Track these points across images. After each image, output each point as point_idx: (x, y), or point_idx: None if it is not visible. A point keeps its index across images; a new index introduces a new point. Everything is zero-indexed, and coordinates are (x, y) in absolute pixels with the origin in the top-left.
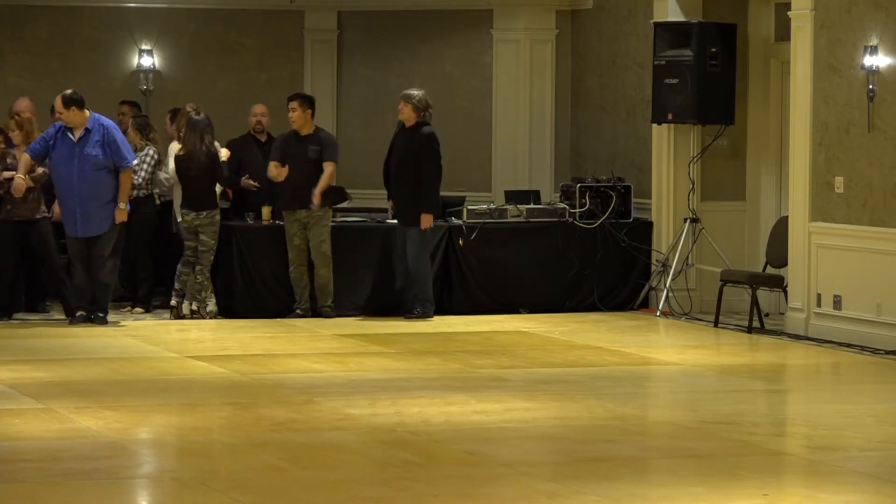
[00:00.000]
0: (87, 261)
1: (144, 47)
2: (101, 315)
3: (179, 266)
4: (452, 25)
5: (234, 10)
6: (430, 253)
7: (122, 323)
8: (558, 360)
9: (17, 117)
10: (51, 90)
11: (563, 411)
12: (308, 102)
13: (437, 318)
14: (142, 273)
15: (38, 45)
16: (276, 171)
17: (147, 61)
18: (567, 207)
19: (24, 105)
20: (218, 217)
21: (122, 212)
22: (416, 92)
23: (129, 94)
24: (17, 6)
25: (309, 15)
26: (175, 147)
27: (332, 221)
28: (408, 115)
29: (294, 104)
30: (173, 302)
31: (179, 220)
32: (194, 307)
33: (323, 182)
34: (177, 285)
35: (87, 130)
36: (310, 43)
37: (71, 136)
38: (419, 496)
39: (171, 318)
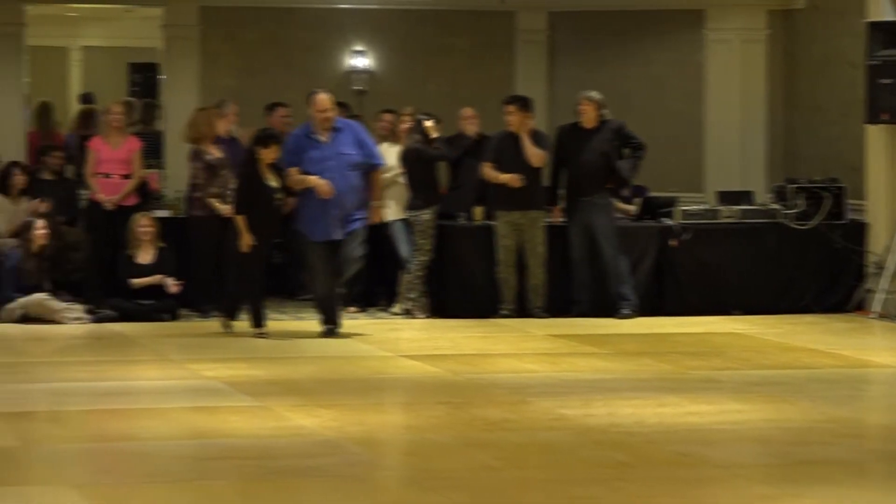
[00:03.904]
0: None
1: (357, 48)
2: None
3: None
4: (663, 25)
5: (446, 10)
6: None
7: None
8: (772, 362)
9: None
10: (263, 91)
11: (776, 413)
12: (525, 105)
13: (649, 319)
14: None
15: (252, 46)
16: (493, 174)
17: (359, 62)
18: (780, 208)
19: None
20: (424, 216)
21: (378, 210)
22: (594, 93)
23: (342, 96)
24: (230, 7)
25: (520, 15)
26: (388, 148)
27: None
28: (591, 115)
29: (511, 108)
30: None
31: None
32: (407, 307)
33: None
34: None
35: (337, 129)
36: (520, 43)
37: (318, 136)
38: (632, 497)
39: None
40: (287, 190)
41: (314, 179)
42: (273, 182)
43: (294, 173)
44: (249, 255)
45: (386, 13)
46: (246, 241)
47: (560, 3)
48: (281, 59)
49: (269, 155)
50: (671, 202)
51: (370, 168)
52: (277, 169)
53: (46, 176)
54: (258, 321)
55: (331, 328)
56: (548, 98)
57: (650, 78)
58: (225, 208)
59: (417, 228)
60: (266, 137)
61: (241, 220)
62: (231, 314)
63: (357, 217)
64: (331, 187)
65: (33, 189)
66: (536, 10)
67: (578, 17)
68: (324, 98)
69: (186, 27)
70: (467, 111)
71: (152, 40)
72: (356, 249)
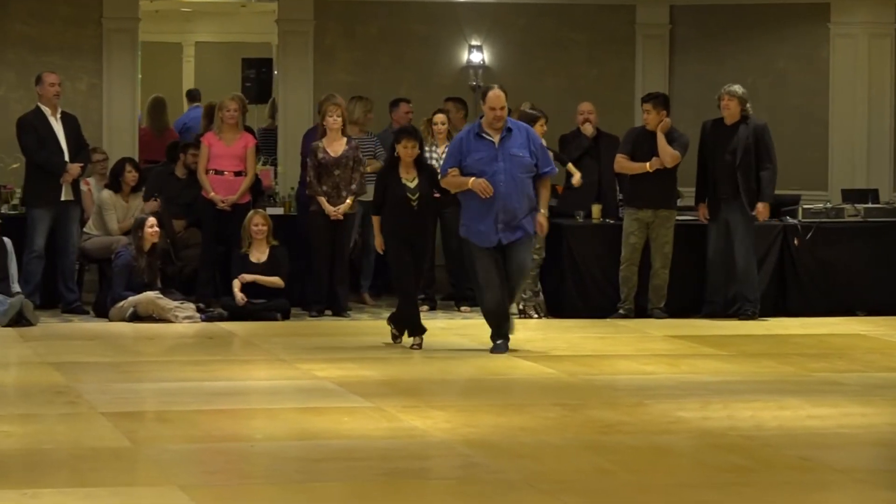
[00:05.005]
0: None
1: (474, 42)
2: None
3: None
4: (787, 19)
5: (565, 4)
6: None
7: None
8: None
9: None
10: (380, 86)
11: None
12: (662, 103)
13: (771, 320)
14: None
15: (369, 40)
16: (628, 164)
17: (477, 57)
18: None
19: None
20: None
21: (544, 220)
22: (737, 87)
23: (459, 91)
24: (349, 2)
25: (640, 9)
26: None
27: None
28: (733, 111)
29: (648, 105)
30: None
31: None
32: (521, 306)
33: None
34: None
35: (508, 130)
36: (641, 38)
37: (487, 136)
38: (751, 501)
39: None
40: (444, 192)
41: (472, 180)
42: (411, 182)
43: (452, 174)
44: (390, 257)
45: (503, 7)
46: (378, 242)
47: None
48: (396, 53)
49: (404, 151)
50: (794, 200)
51: (540, 175)
52: (422, 166)
53: (179, 174)
54: (413, 330)
55: (501, 343)
56: (668, 93)
57: (773, 73)
58: (330, 208)
59: None
60: (398, 133)
61: (374, 221)
62: (402, 324)
63: (526, 225)
64: (490, 187)
65: (163, 185)
66: (658, 4)
67: (700, 11)
68: (498, 95)
69: (301, 22)
70: (585, 106)
71: (266, 35)
72: (526, 259)
